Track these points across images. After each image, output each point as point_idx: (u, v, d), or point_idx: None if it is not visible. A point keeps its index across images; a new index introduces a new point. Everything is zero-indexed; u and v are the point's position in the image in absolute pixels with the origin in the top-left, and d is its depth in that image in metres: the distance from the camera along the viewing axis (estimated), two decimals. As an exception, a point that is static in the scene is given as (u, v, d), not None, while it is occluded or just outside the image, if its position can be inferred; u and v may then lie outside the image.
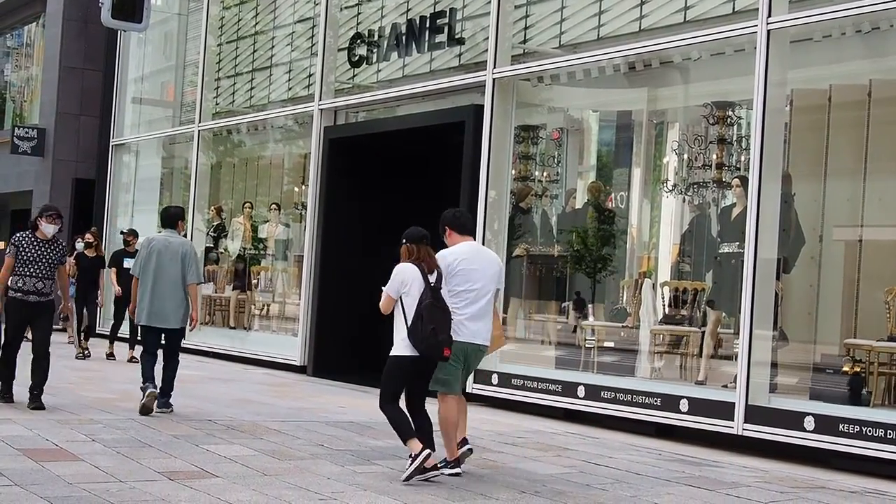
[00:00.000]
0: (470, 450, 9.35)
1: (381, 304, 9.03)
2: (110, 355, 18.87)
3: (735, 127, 13.96)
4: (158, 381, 11.85)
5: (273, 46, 21.13)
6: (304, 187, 19.76)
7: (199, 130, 22.07)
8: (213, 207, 22.17)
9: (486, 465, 9.64)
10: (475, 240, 10.14)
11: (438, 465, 8.81)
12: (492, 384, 14.53)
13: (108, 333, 19.48)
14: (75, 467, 8.50)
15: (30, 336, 12.04)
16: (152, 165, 25.44)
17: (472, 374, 12.34)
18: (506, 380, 14.37)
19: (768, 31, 11.63)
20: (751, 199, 11.67)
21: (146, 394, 11.61)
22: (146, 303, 11.99)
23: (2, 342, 11.97)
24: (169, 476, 8.33)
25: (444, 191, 16.48)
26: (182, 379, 12.85)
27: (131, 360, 18.01)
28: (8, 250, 11.59)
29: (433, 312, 8.75)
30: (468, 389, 14.82)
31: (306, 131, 19.41)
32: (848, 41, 12.43)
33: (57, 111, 26.20)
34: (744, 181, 12.39)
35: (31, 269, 11.61)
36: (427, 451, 8.59)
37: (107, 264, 19.32)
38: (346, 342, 17.76)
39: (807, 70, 13.01)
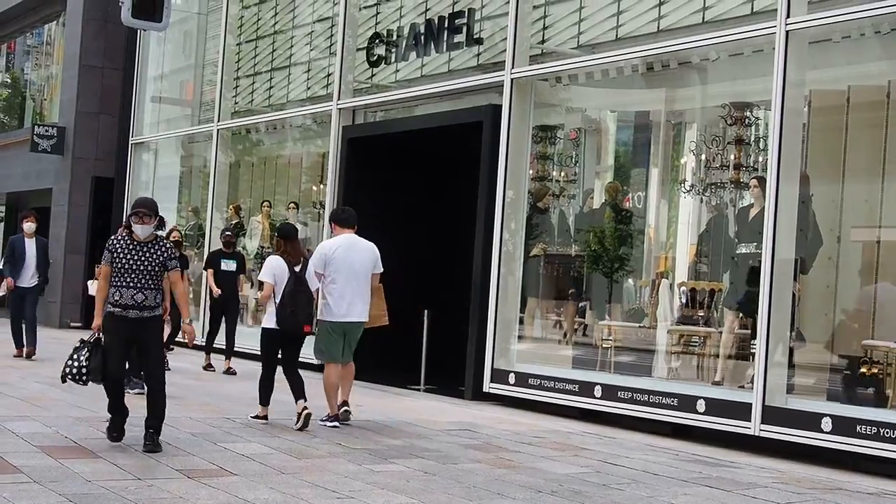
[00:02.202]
0: (348, 412, 11.63)
1: (262, 294, 11.41)
2: (208, 366, 17.16)
3: (753, 127, 13.94)
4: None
5: (292, 46, 21.18)
6: (322, 186, 19.81)
7: (217, 129, 22.14)
8: (231, 206, 22.23)
9: (503, 465, 9.66)
10: (356, 232, 11.89)
11: (323, 419, 11.37)
12: (509, 384, 14.55)
13: (204, 343, 17.49)
14: (94, 465, 8.55)
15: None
16: (171, 164, 25.53)
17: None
18: (523, 379, 14.38)
19: (787, 32, 11.62)
20: (768, 199, 11.67)
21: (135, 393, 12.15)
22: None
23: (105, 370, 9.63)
24: (187, 474, 8.37)
25: (462, 190, 16.52)
26: (200, 377, 12.93)
27: (228, 371, 16.82)
28: (104, 256, 9.64)
29: (294, 297, 11.14)
30: (485, 389, 14.87)
31: (325, 130, 19.45)
32: (867, 42, 12.40)
33: (77, 110, 26.27)
34: (761, 182, 12.39)
35: (128, 279, 9.48)
36: (305, 408, 11.03)
37: (203, 265, 18.24)
38: (364, 340, 17.73)
39: (825, 71, 12.98)
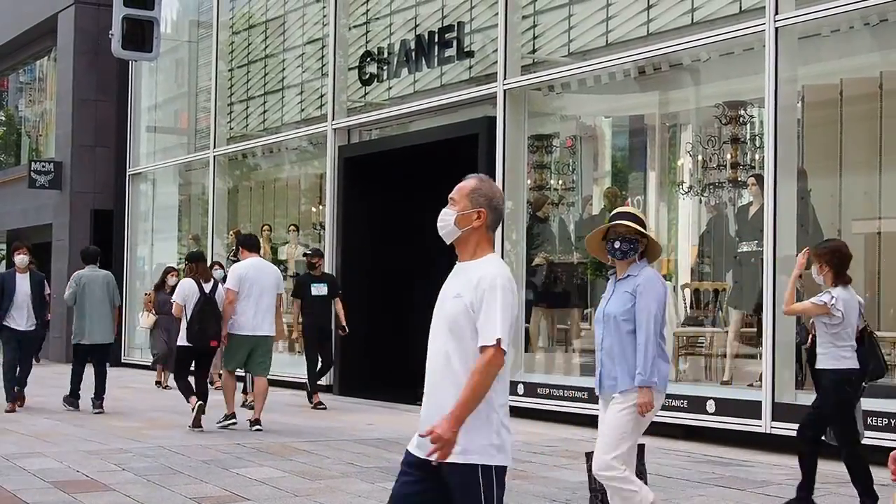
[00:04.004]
0: (259, 430, 12.62)
1: (173, 310, 13.07)
2: (318, 404, 15.65)
3: (748, 126, 13.95)
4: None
5: (284, 69, 21.22)
6: (321, 207, 19.82)
7: (214, 156, 22.17)
8: (231, 231, 22.24)
9: (515, 476, 9.64)
10: (262, 256, 13.76)
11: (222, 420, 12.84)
12: (518, 394, 14.53)
13: (307, 379, 16.11)
14: (107, 497, 8.54)
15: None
16: (170, 193, 25.55)
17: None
18: (531, 389, 14.37)
19: (776, 29, 11.64)
20: (767, 196, 11.68)
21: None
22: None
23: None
24: (200, 501, 8.37)
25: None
26: (210, 402, 12.93)
27: (317, 405, 15.64)
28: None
29: (202, 314, 12.64)
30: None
31: (321, 151, 19.48)
32: (856, 35, 12.43)
33: (72, 144, 26.32)
34: (759, 179, 12.39)
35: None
36: (199, 402, 12.59)
37: (290, 292, 16.85)
38: (371, 360, 17.76)
39: (817, 65, 13.01)
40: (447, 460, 4.31)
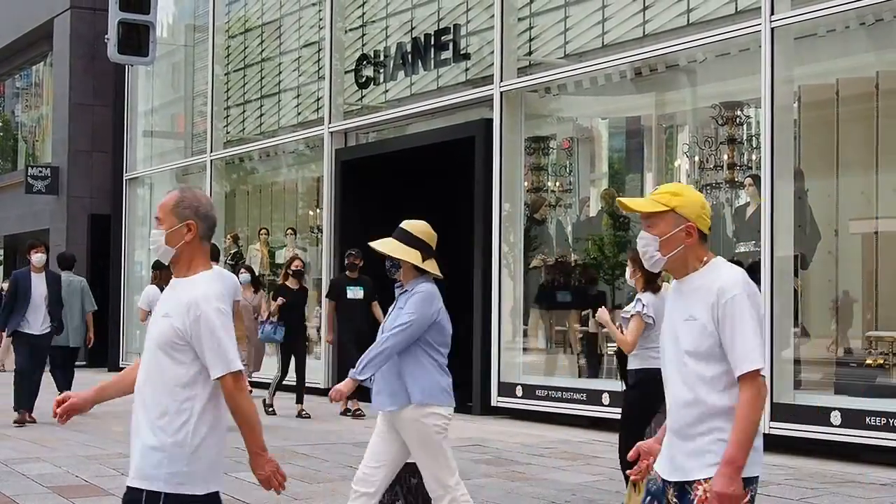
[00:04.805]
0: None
1: (139, 316, 13.53)
2: (356, 411, 15.00)
3: (744, 126, 13.95)
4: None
5: (280, 72, 21.22)
6: (318, 210, 19.81)
7: (211, 160, 22.17)
8: (229, 235, 22.24)
9: (515, 478, 9.65)
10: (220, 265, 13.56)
11: None
12: (516, 396, 14.54)
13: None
14: (106, 502, 8.54)
15: None
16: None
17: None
18: (530, 391, 14.37)
19: (772, 29, 11.65)
20: (764, 197, 11.68)
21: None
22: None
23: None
24: (200, 505, 8.35)
25: (459, 206, 16.50)
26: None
27: (354, 412, 14.97)
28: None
29: None
30: (493, 403, 14.84)
31: (318, 155, 19.48)
32: (852, 34, 12.43)
33: (69, 149, 26.31)
34: (756, 180, 12.39)
35: None
36: None
37: (324, 293, 16.38)
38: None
39: (813, 66, 13.01)
40: None
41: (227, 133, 22.53)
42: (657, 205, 4.07)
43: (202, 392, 4.29)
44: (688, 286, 4.07)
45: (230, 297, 3.66)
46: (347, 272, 15.02)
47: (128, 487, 4.29)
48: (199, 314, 4.18)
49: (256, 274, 18.29)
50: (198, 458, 4.28)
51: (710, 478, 3.91)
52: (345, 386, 6.34)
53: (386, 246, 6.55)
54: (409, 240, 6.47)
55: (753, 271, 12.19)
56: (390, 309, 6.58)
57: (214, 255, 14.46)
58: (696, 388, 3.99)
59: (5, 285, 25.58)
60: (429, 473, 6.32)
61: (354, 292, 14.87)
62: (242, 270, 16.53)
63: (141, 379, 4.33)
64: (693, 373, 4.01)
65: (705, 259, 4.08)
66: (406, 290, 6.45)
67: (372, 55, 18.12)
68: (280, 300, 15.17)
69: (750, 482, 3.96)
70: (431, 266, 6.45)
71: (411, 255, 6.43)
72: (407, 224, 6.68)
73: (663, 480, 4.09)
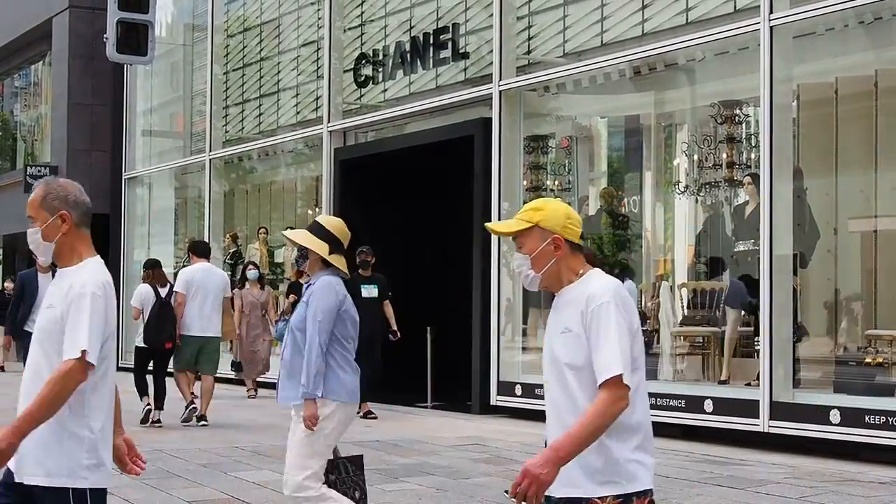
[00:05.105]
0: (195, 408, 13.54)
1: (132, 314, 13.98)
2: (367, 414, 14.42)
3: (743, 125, 13.96)
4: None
5: (279, 71, 21.21)
6: (317, 209, 19.80)
7: (210, 159, 22.15)
8: (228, 235, 22.22)
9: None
10: (210, 262, 14.36)
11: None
12: (515, 395, 14.53)
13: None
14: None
15: None
16: (166, 197, 25.53)
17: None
18: (529, 390, 14.35)
19: (771, 28, 11.64)
20: (763, 195, 11.67)
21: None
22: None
23: None
24: (199, 505, 8.36)
25: (458, 205, 16.51)
26: (211, 405, 12.99)
27: (365, 414, 14.30)
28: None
29: (158, 318, 13.33)
30: (492, 402, 14.84)
31: (317, 154, 19.47)
32: (851, 33, 12.44)
33: (68, 148, 26.28)
34: (755, 179, 12.39)
35: None
36: (148, 405, 13.34)
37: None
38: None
39: (812, 64, 13.01)
40: (36, 483, 4.11)
41: (226, 132, 22.52)
42: (521, 223, 3.99)
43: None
44: (563, 299, 4.00)
45: (112, 288, 3.59)
46: (360, 270, 14.49)
47: (17, 484, 4.17)
48: (73, 296, 4.13)
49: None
50: (97, 449, 4.26)
51: (604, 496, 3.85)
52: (308, 411, 6.35)
53: (297, 235, 6.69)
54: (321, 233, 6.60)
55: (753, 270, 12.22)
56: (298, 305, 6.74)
57: (205, 252, 14.49)
58: (577, 398, 3.91)
59: (7, 285, 25.69)
60: (293, 456, 6.40)
61: (369, 290, 14.54)
62: (250, 267, 16.73)
63: (26, 376, 4.23)
64: (574, 383, 3.91)
65: (581, 272, 3.99)
66: (307, 284, 6.62)
67: (371, 54, 18.11)
68: (292, 297, 15.61)
69: (642, 495, 3.88)
70: (338, 261, 6.58)
71: (318, 246, 6.52)
72: (322, 218, 6.87)
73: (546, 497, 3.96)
